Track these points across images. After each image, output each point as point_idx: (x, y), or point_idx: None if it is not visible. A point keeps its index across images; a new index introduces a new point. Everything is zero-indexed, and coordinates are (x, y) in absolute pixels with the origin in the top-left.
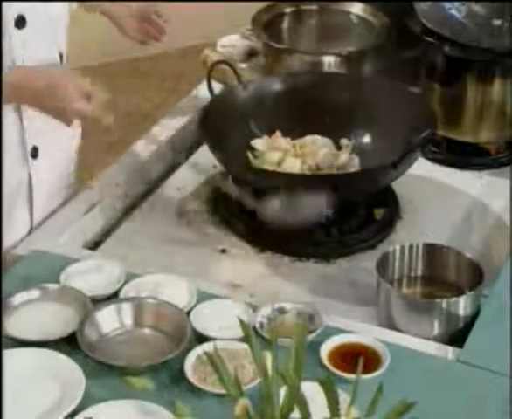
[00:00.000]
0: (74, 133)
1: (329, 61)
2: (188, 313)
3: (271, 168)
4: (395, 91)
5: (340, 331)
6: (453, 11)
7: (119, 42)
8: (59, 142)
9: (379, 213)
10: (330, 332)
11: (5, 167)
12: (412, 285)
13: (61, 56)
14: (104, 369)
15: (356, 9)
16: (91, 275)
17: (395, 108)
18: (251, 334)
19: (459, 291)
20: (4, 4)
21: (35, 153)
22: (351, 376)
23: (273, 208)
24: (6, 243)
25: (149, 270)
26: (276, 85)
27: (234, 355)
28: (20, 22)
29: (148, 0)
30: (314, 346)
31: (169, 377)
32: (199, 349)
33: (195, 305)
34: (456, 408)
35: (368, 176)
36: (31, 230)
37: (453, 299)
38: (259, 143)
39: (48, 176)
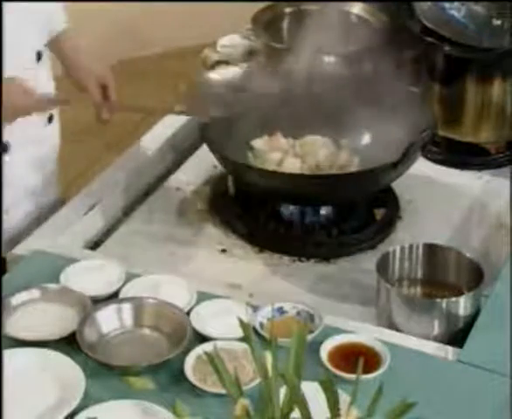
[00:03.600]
0: (48, 127)
1: (329, 61)
2: (188, 313)
3: (271, 168)
4: (395, 91)
5: (340, 331)
6: (453, 11)
7: (118, 43)
8: (31, 136)
9: (379, 213)
10: (330, 332)
11: None
12: (413, 285)
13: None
14: (104, 369)
15: (356, 9)
16: (91, 275)
17: (395, 108)
18: (251, 334)
19: (459, 292)
20: None
21: (5, 148)
22: (351, 376)
23: None
24: None
25: (149, 270)
26: (276, 85)
27: (234, 355)
28: None
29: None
30: (314, 347)
31: (169, 377)
32: (199, 349)
33: (195, 305)
34: (456, 408)
35: (368, 176)
36: None
37: (453, 299)
38: (259, 143)
39: (21, 171)
